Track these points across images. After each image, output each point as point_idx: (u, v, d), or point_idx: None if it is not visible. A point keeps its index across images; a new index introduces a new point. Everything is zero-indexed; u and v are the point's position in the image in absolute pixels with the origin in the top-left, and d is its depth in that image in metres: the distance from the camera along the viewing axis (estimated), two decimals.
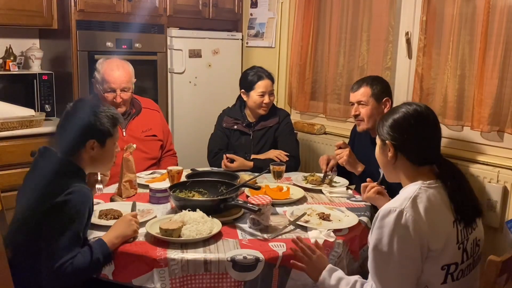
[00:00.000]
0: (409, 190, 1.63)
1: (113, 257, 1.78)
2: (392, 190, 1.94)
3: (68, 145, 1.86)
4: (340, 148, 2.59)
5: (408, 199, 1.58)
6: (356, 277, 1.72)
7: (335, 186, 2.56)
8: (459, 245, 1.59)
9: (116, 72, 2.73)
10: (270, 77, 3.09)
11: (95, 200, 2.22)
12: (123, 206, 2.14)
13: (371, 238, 1.62)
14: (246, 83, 3.08)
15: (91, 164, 1.92)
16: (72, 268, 1.68)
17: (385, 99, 2.62)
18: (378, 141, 1.77)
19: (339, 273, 1.75)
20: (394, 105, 2.68)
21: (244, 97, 3.09)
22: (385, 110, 2.60)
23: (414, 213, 1.55)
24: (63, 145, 1.88)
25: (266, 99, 3.02)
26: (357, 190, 2.55)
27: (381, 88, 2.62)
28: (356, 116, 2.66)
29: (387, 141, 1.71)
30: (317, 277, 1.75)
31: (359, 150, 2.74)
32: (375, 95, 2.60)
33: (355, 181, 2.66)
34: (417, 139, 1.69)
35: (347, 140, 3.02)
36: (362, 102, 2.61)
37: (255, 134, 3.08)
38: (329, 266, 1.77)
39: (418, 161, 1.68)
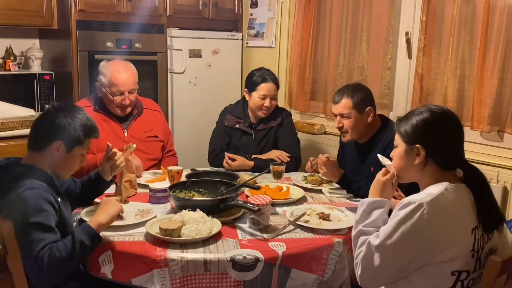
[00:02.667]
0: (435, 188, 1.59)
1: (101, 237, 1.75)
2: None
3: (37, 140, 1.84)
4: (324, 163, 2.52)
5: (431, 195, 1.54)
6: (376, 231, 1.66)
7: (334, 187, 2.56)
8: (473, 253, 1.56)
9: (123, 74, 2.72)
10: (275, 81, 3.05)
11: (95, 200, 2.23)
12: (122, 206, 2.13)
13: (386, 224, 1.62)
14: (250, 83, 3.06)
15: (52, 165, 1.86)
16: (51, 254, 1.64)
17: (367, 108, 2.56)
18: (400, 144, 1.69)
19: (383, 211, 1.71)
20: (377, 112, 2.66)
21: (247, 97, 3.08)
22: (369, 119, 2.57)
23: (432, 211, 1.51)
24: (32, 139, 1.86)
25: (266, 102, 2.99)
26: None
27: (363, 98, 2.55)
28: (340, 128, 2.62)
29: (417, 145, 1.63)
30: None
31: (348, 156, 2.74)
32: (357, 106, 2.54)
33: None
34: (449, 142, 1.64)
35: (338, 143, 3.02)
36: (344, 115, 2.57)
37: (257, 134, 3.08)
38: (383, 201, 1.73)
39: (447, 165, 1.64)
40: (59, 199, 1.82)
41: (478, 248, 1.58)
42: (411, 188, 1.77)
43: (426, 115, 1.65)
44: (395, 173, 1.76)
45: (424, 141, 1.63)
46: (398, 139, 1.71)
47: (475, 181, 1.63)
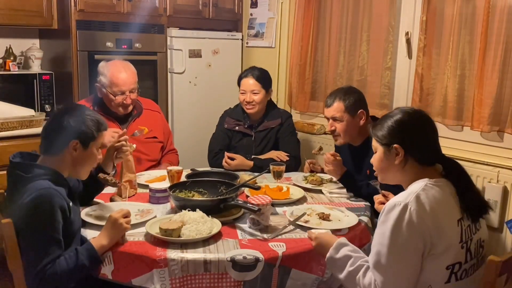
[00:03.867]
0: (415, 186, 1.64)
1: (102, 260, 1.78)
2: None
3: (53, 144, 1.87)
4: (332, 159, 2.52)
5: (413, 193, 1.59)
6: (364, 260, 1.69)
7: (334, 187, 2.56)
8: (462, 244, 1.60)
9: (124, 74, 2.72)
10: (257, 76, 3.03)
11: (95, 200, 2.23)
12: (122, 206, 2.13)
13: (376, 232, 1.63)
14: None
15: (72, 166, 1.90)
16: (53, 271, 1.69)
17: (359, 111, 2.56)
18: (378, 147, 1.75)
19: (347, 249, 1.72)
20: (371, 114, 2.66)
21: None
22: (361, 122, 2.57)
23: (418, 207, 1.56)
24: (48, 144, 1.89)
25: (246, 97, 3.00)
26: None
27: (355, 101, 2.56)
28: (332, 131, 2.63)
29: (394, 145, 1.68)
30: (325, 256, 1.76)
31: (343, 159, 2.74)
32: (349, 109, 2.55)
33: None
34: (425, 138, 1.70)
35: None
36: (336, 118, 2.57)
37: (257, 135, 3.07)
38: (337, 242, 1.75)
39: (426, 161, 1.69)
40: (70, 203, 1.84)
41: (466, 239, 1.62)
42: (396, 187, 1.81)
43: (399, 116, 1.72)
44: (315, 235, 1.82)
45: (401, 140, 1.69)
46: (375, 144, 1.77)
47: (454, 173, 1.69)
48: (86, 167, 1.97)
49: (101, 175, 2.13)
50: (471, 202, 1.65)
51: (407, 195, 1.60)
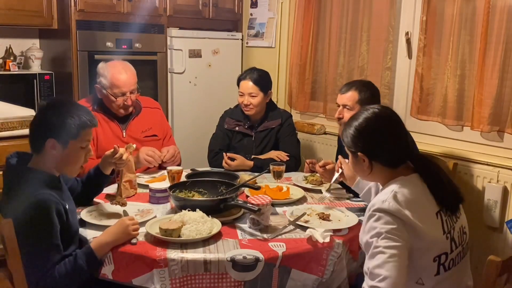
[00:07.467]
0: (390, 187, 1.67)
1: (101, 262, 1.78)
2: None
3: (34, 142, 1.83)
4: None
5: (389, 193, 1.62)
6: None
7: (335, 187, 2.55)
8: (446, 235, 1.62)
9: (124, 75, 2.71)
10: (255, 80, 3.00)
11: (95, 200, 2.23)
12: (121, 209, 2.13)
13: (360, 235, 1.67)
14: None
15: (57, 165, 1.84)
16: (53, 277, 1.70)
17: None
18: (348, 153, 1.78)
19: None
20: None
21: None
22: None
23: (396, 204, 1.58)
24: (31, 142, 1.85)
25: (244, 100, 2.99)
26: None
27: (370, 95, 2.56)
28: (339, 119, 2.63)
29: (358, 153, 1.71)
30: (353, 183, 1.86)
31: (345, 154, 2.75)
32: (362, 102, 2.54)
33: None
34: (385, 142, 1.70)
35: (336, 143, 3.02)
36: (347, 106, 2.57)
37: (257, 135, 3.07)
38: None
39: (393, 163, 1.70)
40: (67, 206, 1.82)
41: (449, 229, 1.64)
42: None
43: (358, 122, 1.72)
44: None
45: (362, 148, 1.70)
46: (346, 149, 1.80)
47: (424, 169, 1.70)
48: (70, 166, 1.88)
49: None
50: (445, 195, 1.67)
51: (383, 195, 1.63)
